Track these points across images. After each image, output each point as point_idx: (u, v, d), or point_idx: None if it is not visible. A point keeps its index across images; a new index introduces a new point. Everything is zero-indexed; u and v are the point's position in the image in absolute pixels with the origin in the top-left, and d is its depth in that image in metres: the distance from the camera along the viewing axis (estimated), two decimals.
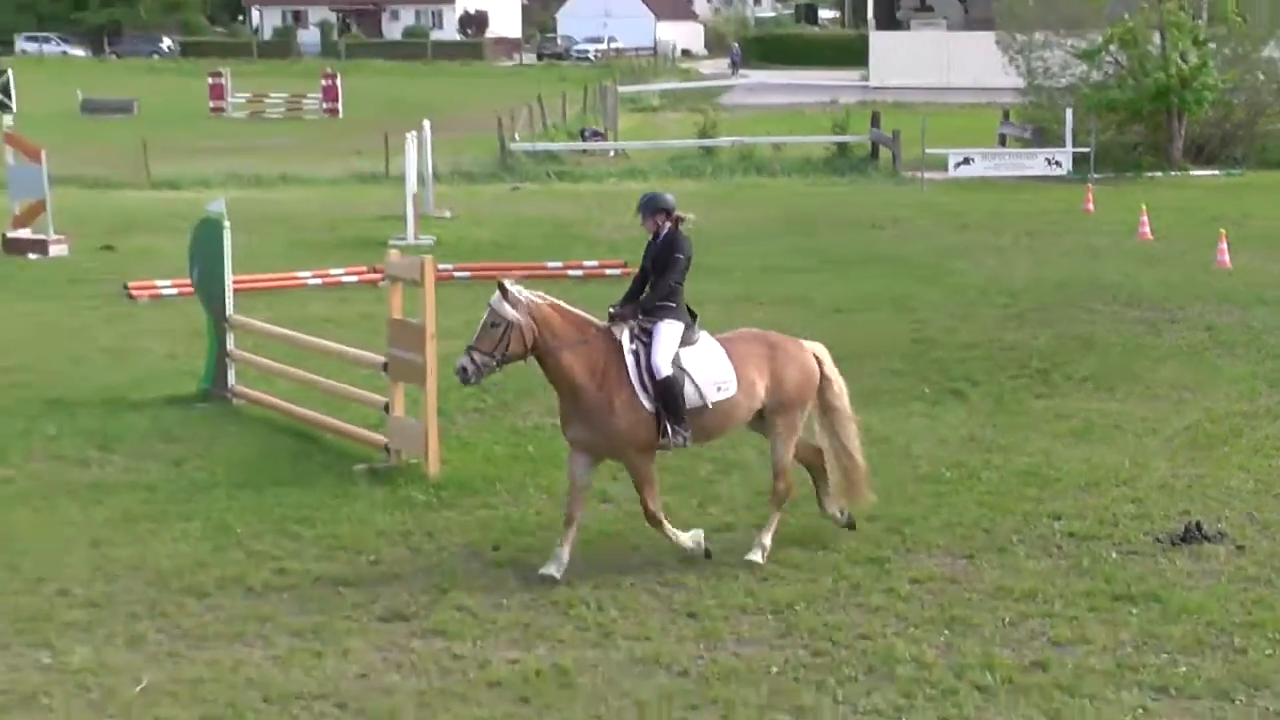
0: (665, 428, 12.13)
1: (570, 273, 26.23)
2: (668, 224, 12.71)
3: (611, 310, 12.47)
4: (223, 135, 59.91)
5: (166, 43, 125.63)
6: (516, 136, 49.49)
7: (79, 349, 20.88)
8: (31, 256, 29.50)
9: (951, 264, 27.81)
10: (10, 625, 11.27)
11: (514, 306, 11.90)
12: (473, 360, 11.89)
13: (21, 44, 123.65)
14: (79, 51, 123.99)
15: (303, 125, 66.63)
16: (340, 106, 70.46)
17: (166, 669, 10.52)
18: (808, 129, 52.70)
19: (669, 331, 12.24)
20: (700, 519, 13.43)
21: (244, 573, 12.24)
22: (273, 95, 74.89)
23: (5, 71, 68.07)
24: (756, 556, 12.36)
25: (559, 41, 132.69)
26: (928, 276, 26.37)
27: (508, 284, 12.10)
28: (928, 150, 43.60)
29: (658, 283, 12.48)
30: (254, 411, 17.41)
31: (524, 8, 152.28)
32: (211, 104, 72.39)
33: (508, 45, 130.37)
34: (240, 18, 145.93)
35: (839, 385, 12.94)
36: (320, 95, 72.26)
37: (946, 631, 10.99)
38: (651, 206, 12.81)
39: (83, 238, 30.75)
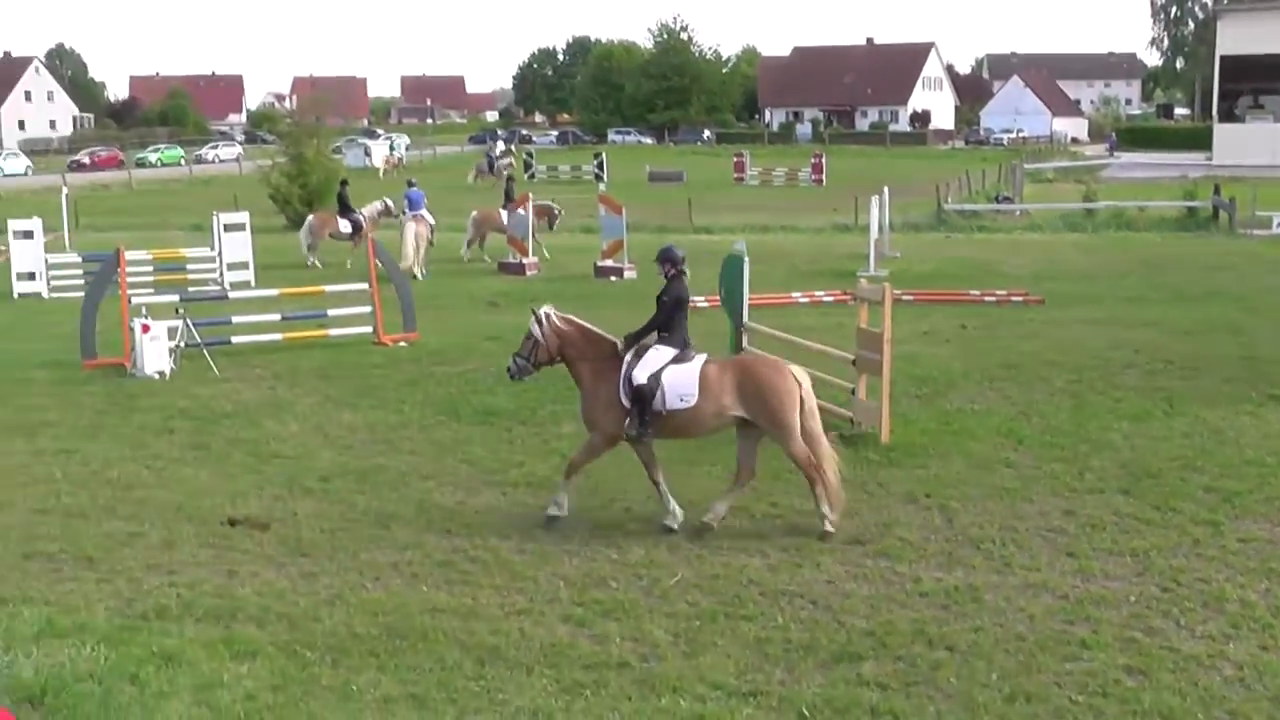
0: (631, 420, 11.52)
1: (986, 299, 25.65)
2: (673, 272, 12.11)
3: (625, 336, 11.89)
4: (742, 197, 60.50)
5: (707, 134, 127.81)
6: (949, 199, 48.65)
7: None
8: (612, 279, 30.24)
9: (1274, 299, 25.98)
10: (590, 531, 11.47)
11: (539, 326, 11.87)
12: (515, 362, 11.98)
13: (612, 136, 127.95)
14: (648, 140, 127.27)
15: (797, 191, 66.75)
16: (824, 178, 70.32)
17: (694, 567, 10.55)
18: (1164, 196, 50.26)
19: (656, 354, 11.64)
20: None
21: (748, 504, 12.17)
22: (777, 170, 75.26)
23: (600, 154, 70.39)
24: (827, 526, 11.31)
25: (981, 132, 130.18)
26: (1254, 308, 24.71)
27: (541, 311, 12.01)
28: (1257, 212, 41.49)
29: (651, 318, 11.95)
30: None
31: (956, 108, 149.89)
32: (735, 175, 73.31)
33: (944, 134, 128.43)
34: (756, 116, 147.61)
35: (810, 405, 11.53)
36: (810, 170, 72.36)
37: (1266, 580, 10.17)
38: (661, 257, 12.34)
39: (646, 266, 31.29)
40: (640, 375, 11.56)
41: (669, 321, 11.89)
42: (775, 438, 11.61)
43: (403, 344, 21.00)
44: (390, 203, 35.79)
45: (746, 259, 17.86)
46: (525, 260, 32.08)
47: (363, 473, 13.45)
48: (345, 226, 33.75)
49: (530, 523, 11.70)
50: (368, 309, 21.38)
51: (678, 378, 11.55)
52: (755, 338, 17.74)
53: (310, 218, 34.96)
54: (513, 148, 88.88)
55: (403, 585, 10.17)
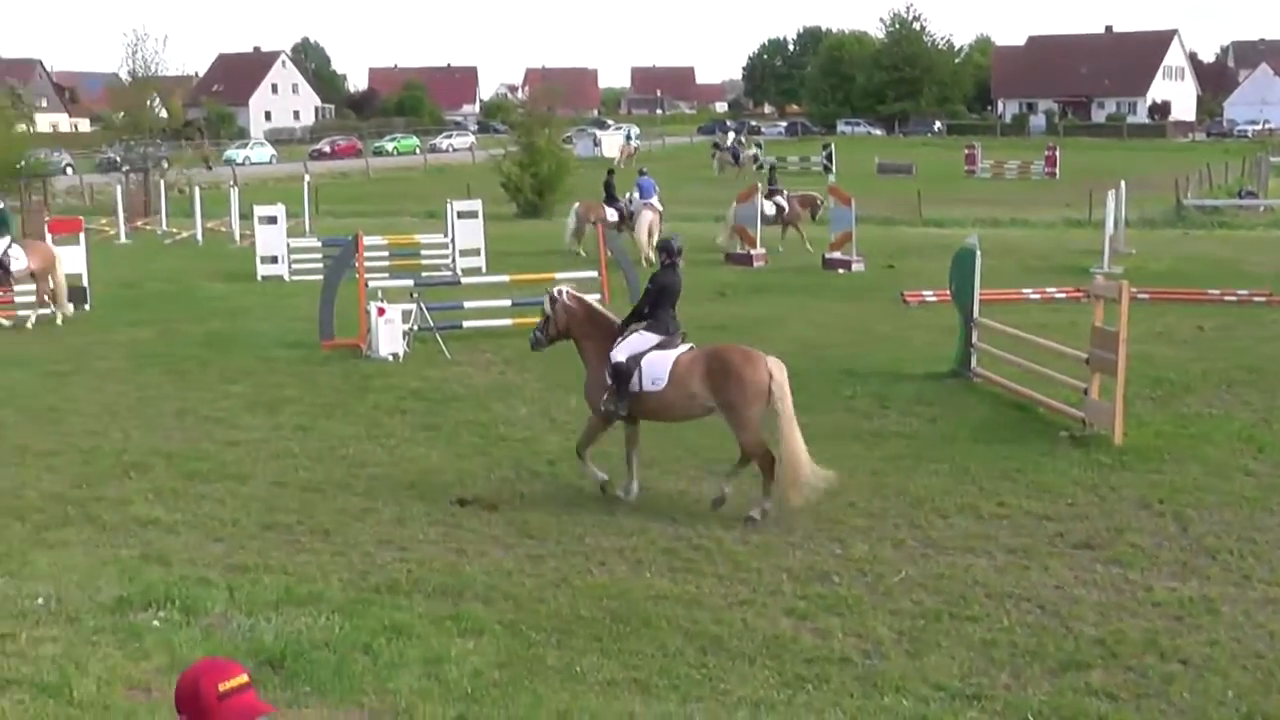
0: (609, 396, 12.07)
1: (1225, 298, 24.69)
2: (667, 261, 12.48)
3: (622, 320, 12.43)
4: (972, 190, 59.41)
5: (938, 125, 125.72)
6: (1189, 194, 46.94)
7: (867, 336, 21.09)
8: (840, 271, 30.05)
9: None
10: (812, 524, 11.42)
11: (552, 305, 12.57)
12: (535, 335, 12.83)
13: (841, 127, 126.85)
14: (877, 131, 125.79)
15: (1029, 184, 65.11)
16: (1057, 171, 68.59)
17: (919, 566, 10.41)
18: None
19: (638, 337, 12.11)
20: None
21: (976, 503, 12.00)
22: (1009, 162, 73.56)
23: (829, 145, 69.92)
24: (754, 513, 11.57)
25: (1224, 123, 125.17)
26: None
27: (556, 291, 12.75)
28: None
29: (638, 303, 12.53)
30: (987, 388, 17.02)
31: (1198, 99, 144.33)
32: (966, 168, 72.02)
33: (1184, 126, 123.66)
34: (989, 107, 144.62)
35: (780, 396, 11.56)
36: (1043, 163, 70.59)
37: None
38: (659, 246, 12.91)
39: (873, 259, 31.10)
40: (619, 355, 12.11)
41: (653, 308, 12.25)
42: (730, 424, 11.79)
43: None
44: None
45: (979, 253, 17.53)
46: (753, 251, 32.08)
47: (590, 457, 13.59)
48: (612, 214, 33.95)
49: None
50: (596, 296, 21.55)
51: (653, 362, 12.00)
52: (985, 333, 17.44)
53: (576, 205, 35.35)
54: (742, 138, 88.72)
55: (627, 571, 10.28)
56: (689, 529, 11.29)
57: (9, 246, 23.13)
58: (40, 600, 9.49)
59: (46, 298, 23.50)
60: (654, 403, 12.05)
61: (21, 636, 8.79)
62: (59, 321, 23.15)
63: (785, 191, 36.29)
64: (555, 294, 12.69)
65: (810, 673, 8.38)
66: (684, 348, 12.15)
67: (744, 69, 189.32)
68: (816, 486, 11.57)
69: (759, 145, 79.93)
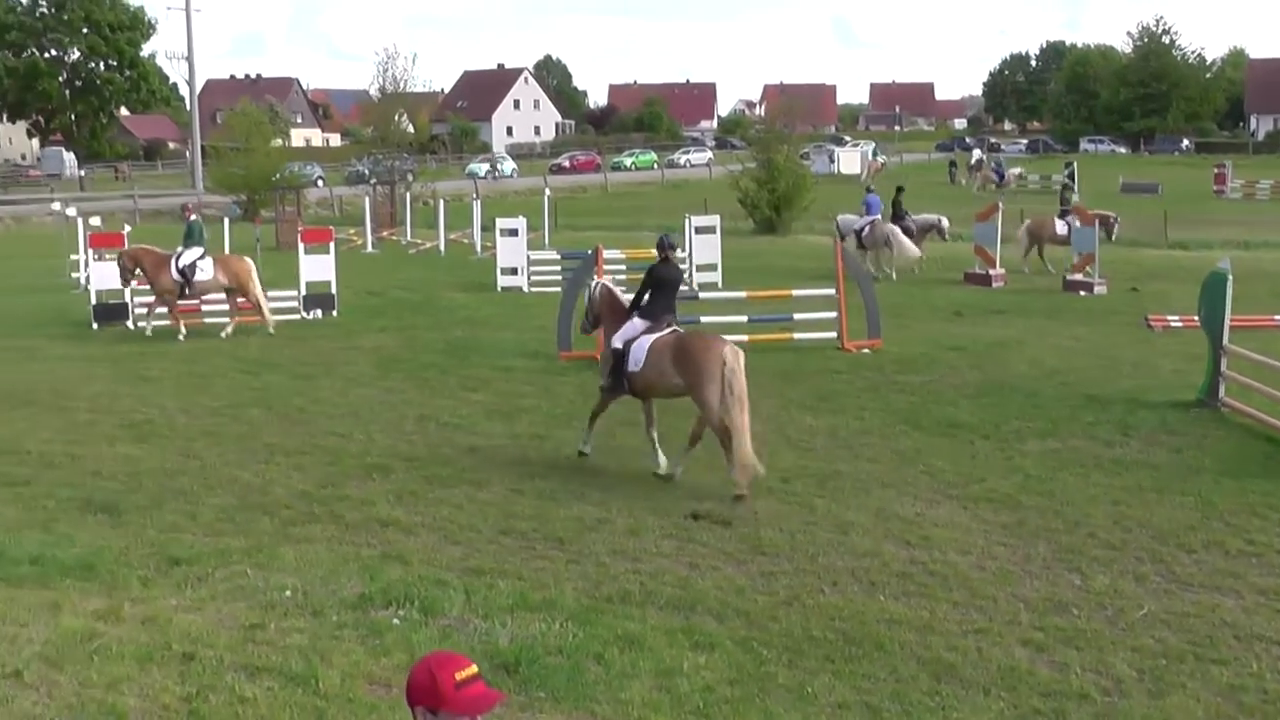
0: (606, 375, 13.92)
1: None
2: (661, 256, 14.11)
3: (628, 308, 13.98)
4: (1222, 211, 57.32)
5: (1185, 143, 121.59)
6: None
7: (1109, 361, 20.43)
8: (1081, 294, 29.23)
9: None
10: (1051, 554, 11.10)
11: (590, 296, 14.58)
12: (584, 322, 14.81)
13: (1084, 144, 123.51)
14: (1122, 149, 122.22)
15: None
16: None
17: (1161, 602, 9.98)
18: None
19: (630, 325, 13.73)
20: None
21: (1222, 539, 11.45)
22: (1261, 182, 70.67)
23: (1072, 163, 68.27)
24: (676, 470, 13.34)
25: None
26: None
27: (594, 283, 14.80)
28: None
29: (636, 292, 13.97)
30: (1236, 419, 16.30)
31: None
32: (1214, 188, 69.64)
33: None
34: (1241, 124, 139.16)
35: (730, 382, 12.72)
36: None
37: None
38: (657, 243, 14.43)
39: (1116, 282, 30.17)
40: (617, 341, 13.72)
41: (650, 297, 13.73)
42: (694, 401, 13.08)
43: (866, 351, 21.02)
44: (945, 221, 35.50)
45: (1230, 278, 16.84)
46: (992, 271, 31.44)
47: (822, 476, 13.54)
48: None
49: (992, 540, 11.45)
50: (833, 314, 21.48)
51: (638, 346, 13.46)
52: (1235, 361, 16.75)
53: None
54: (983, 156, 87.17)
55: (860, 592, 10.15)
56: (924, 552, 11.10)
57: (200, 258, 23.89)
58: (287, 593, 9.85)
59: (239, 309, 24.09)
60: (639, 381, 13.56)
61: (270, 626, 9.15)
62: (271, 331, 23.79)
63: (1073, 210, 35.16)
64: (593, 285, 14.65)
65: (1047, 707, 8.13)
66: (665, 332, 13.52)
67: (984, 84, 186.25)
68: (759, 470, 12.63)
69: (999, 163, 78.43)
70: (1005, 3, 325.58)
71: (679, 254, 14.03)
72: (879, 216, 33.43)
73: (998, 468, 13.92)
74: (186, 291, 23.91)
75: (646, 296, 13.75)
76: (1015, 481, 13.25)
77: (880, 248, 32.80)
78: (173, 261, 23.86)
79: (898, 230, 33.03)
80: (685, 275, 30.04)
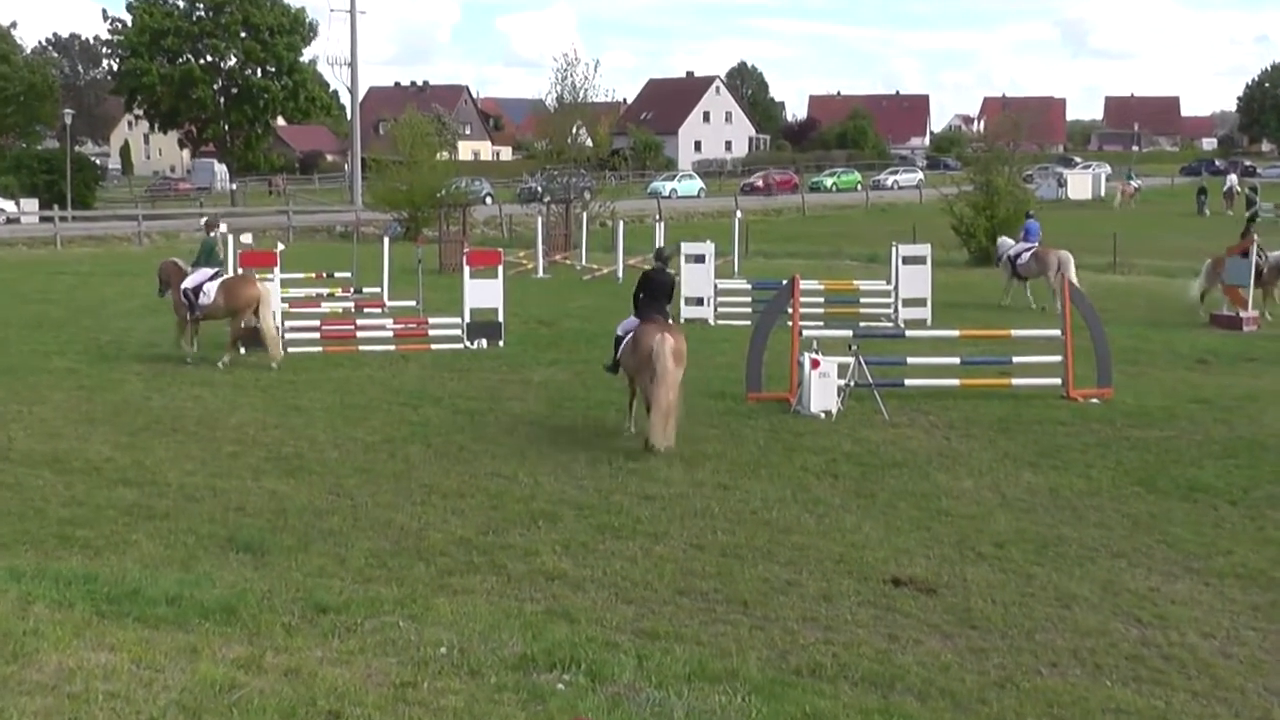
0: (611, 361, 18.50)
1: None
2: (657, 265, 18.11)
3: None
4: None
5: None
6: None
7: None
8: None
9: None
10: None
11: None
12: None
13: None
14: None
15: None
16: None
17: None
18: None
19: (628, 320, 18.02)
20: None
21: None
22: None
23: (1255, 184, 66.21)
24: (651, 442, 16.88)
25: None
26: None
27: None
28: None
29: (635, 292, 17.92)
30: None
31: None
32: None
33: None
34: None
35: (657, 361, 16.67)
36: None
37: None
38: (655, 254, 18.91)
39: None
40: (619, 331, 18.15)
41: (640, 298, 17.61)
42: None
43: (1094, 401, 20.63)
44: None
45: None
46: (1244, 314, 30.56)
47: (1043, 542, 13.31)
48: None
49: (1240, 622, 11.11)
50: (1057, 359, 21.14)
51: (624, 336, 17.79)
52: None
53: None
54: (1236, 182, 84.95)
55: (1083, 675, 9.92)
56: (1159, 633, 10.81)
57: (210, 279, 24.35)
58: (443, 649, 9.96)
59: (240, 338, 24.43)
60: (626, 364, 17.74)
61: (423, 685, 9.25)
62: (274, 366, 23.84)
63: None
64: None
65: None
66: (649, 325, 17.18)
67: (1239, 99, 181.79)
68: (659, 447, 16.61)
69: (1254, 189, 76.37)
70: (1264, 4, 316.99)
71: (664, 263, 18.34)
72: (1038, 243, 33.90)
73: (1247, 538, 13.52)
74: (195, 314, 24.49)
75: (640, 296, 17.58)
76: (1268, 555, 12.85)
77: (1048, 273, 32.67)
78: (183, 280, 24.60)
79: (1069, 259, 32.82)
80: (892, 310, 29.96)
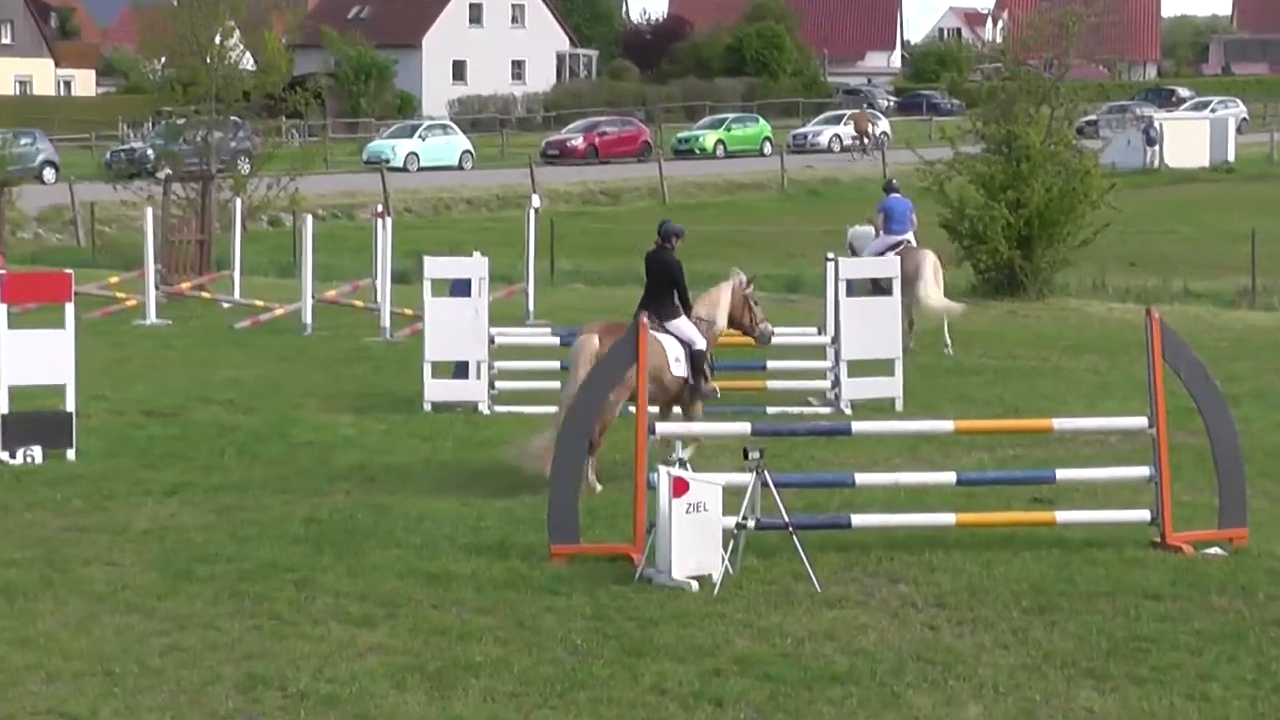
0: None
1: None
2: (659, 242, 18.22)
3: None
4: None
5: None
6: None
7: None
8: None
9: None
10: None
11: None
12: None
13: None
14: None
15: None
16: None
17: None
18: None
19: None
20: None
21: None
22: None
23: None
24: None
25: None
26: None
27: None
28: None
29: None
30: None
31: None
32: None
33: None
34: None
35: (579, 358, 17.48)
36: None
37: None
38: (660, 230, 18.67)
39: None
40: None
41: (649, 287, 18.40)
42: None
43: (1215, 551, 15.93)
44: None
45: None
46: None
47: None
48: None
49: None
50: (1144, 473, 16.68)
51: None
52: None
53: None
54: None
55: None
56: None
57: None
58: None
59: None
60: None
61: None
62: None
63: None
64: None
65: None
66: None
67: None
68: (530, 466, 17.24)
69: None
70: None
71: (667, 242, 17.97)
72: (910, 234, 28.04)
73: None
74: None
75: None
76: None
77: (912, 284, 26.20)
78: None
79: (931, 260, 27.09)
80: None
